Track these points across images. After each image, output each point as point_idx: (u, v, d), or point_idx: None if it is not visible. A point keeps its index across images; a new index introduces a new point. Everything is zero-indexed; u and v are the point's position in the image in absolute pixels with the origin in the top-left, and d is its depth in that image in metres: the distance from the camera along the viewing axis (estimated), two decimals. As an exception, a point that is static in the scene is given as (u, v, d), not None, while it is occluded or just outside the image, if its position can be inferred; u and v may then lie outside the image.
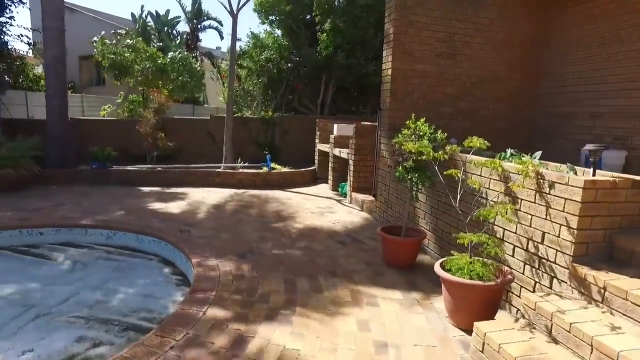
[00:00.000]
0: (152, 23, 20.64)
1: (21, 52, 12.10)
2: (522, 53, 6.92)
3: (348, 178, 8.46)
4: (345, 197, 8.69)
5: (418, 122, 4.45)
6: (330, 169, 9.65)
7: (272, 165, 10.49)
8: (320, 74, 12.44)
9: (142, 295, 4.58)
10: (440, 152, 3.83)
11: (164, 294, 4.64)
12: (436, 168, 3.91)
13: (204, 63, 19.26)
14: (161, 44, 18.35)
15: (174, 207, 7.41)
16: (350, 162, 8.27)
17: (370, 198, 7.58)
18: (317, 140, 10.82)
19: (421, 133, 4.38)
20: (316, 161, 10.91)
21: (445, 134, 4.46)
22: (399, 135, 4.59)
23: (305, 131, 12.22)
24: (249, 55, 12.59)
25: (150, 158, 10.55)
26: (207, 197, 8.40)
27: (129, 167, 10.00)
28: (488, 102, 6.95)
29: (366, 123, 8.39)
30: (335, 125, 9.48)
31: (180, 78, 12.52)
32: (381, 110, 6.79)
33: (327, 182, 10.23)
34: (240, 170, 10.28)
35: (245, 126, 11.97)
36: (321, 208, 7.73)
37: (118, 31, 12.65)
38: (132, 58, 12.53)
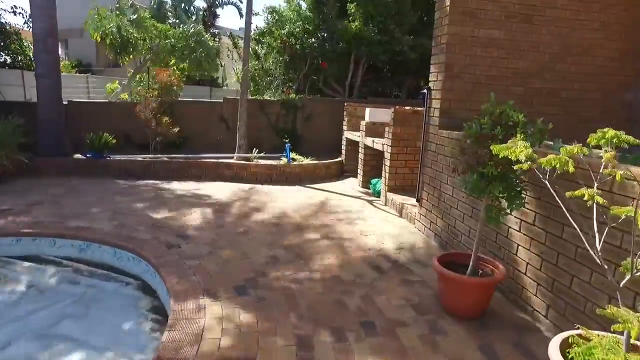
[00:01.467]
0: (169, -1, 19.38)
1: (17, 25, 10.87)
2: (625, 12, 5.17)
3: (383, 174, 6.95)
4: (379, 196, 7.20)
5: (505, 106, 2.90)
6: (360, 161, 8.15)
7: (293, 155, 9.06)
8: (349, 51, 10.84)
9: (98, 350, 3.25)
10: (556, 159, 2.25)
11: (131, 346, 3.30)
12: (547, 182, 2.35)
13: (221, 42, 17.83)
14: (177, 20, 16.99)
15: (171, 208, 6.08)
16: (386, 155, 6.75)
17: (412, 201, 6.06)
18: (344, 127, 9.30)
19: (510, 122, 2.83)
20: (343, 151, 9.41)
21: (551, 125, 2.90)
22: (472, 125, 3.05)
23: (331, 116, 10.71)
24: (268, 31, 11.06)
25: (154, 146, 9.27)
26: (212, 194, 7.04)
27: (129, 157, 8.74)
28: (573, 80, 5.27)
29: (407, 108, 6.82)
30: (368, 110, 7.93)
31: (194, 55, 11.11)
32: (430, 91, 5.22)
33: (356, 177, 8.74)
34: (255, 161, 8.88)
35: (263, 110, 10.54)
36: (349, 212, 6.26)
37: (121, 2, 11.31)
38: (137, 35, 11.21)
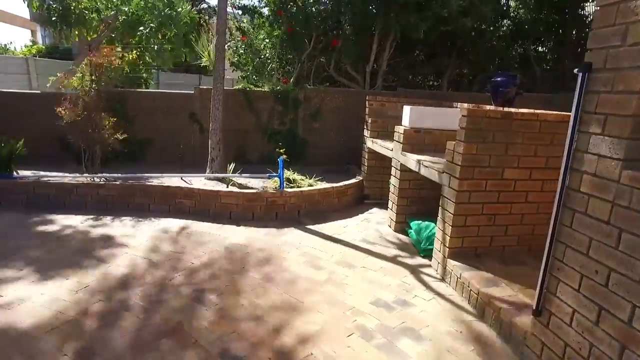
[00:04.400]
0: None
1: None
2: None
3: (439, 224, 3.95)
4: (426, 256, 4.24)
5: None
6: (393, 189, 5.16)
7: (289, 174, 6.10)
8: (371, 23, 7.78)
9: None
10: None
11: None
12: None
13: (212, 25, 14.73)
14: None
15: (54, 289, 3.17)
16: (448, 191, 3.75)
17: (508, 293, 3.08)
18: (366, 133, 6.30)
19: None
20: (364, 167, 6.41)
21: None
22: None
23: (346, 114, 7.70)
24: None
25: (90, 158, 6.35)
26: (145, 252, 4.12)
27: (50, 177, 5.88)
28: None
29: (489, 108, 3.83)
30: (407, 109, 4.89)
31: (153, 29, 8.15)
32: (588, 73, 2.18)
33: (382, 207, 5.81)
34: (232, 184, 5.95)
35: (250, 105, 7.55)
36: (381, 306, 3.29)
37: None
38: (87, 2, 8.30)
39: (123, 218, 5.16)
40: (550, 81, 9.47)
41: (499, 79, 5.14)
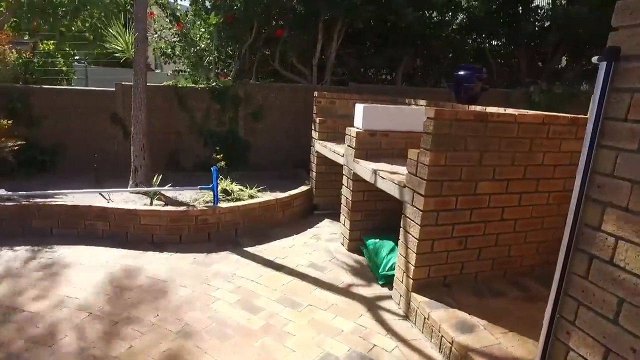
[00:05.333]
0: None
1: None
2: None
3: (401, 250, 3.26)
4: (386, 284, 3.55)
5: None
6: (345, 202, 4.44)
7: (226, 185, 5.24)
8: (316, 12, 7.02)
9: None
10: None
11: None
12: None
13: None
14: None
15: None
16: (410, 210, 3.06)
17: (486, 343, 2.43)
18: (314, 135, 5.54)
19: None
20: (313, 172, 5.65)
21: None
22: None
23: (293, 112, 6.90)
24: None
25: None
26: (16, 301, 3.15)
27: None
28: None
29: (452, 106, 3.16)
30: (361, 108, 4.15)
31: (68, 13, 6.97)
32: (618, 62, 1.51)
33: (335, 219, 5.08)
34: (158, 198, 5.02)
35: (183, 104, 6.59)
36: (334, 367, 2.56)
37: None
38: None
39: (11, 248, 4.12)
40: (506, 76, 9.12)
41: (461, 72, 4.54)
